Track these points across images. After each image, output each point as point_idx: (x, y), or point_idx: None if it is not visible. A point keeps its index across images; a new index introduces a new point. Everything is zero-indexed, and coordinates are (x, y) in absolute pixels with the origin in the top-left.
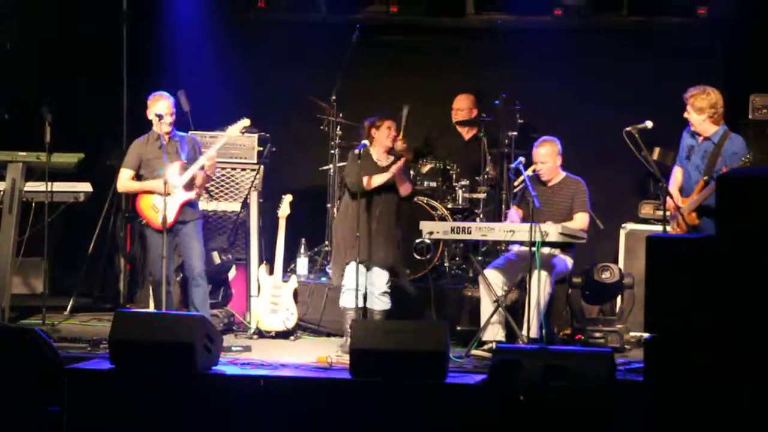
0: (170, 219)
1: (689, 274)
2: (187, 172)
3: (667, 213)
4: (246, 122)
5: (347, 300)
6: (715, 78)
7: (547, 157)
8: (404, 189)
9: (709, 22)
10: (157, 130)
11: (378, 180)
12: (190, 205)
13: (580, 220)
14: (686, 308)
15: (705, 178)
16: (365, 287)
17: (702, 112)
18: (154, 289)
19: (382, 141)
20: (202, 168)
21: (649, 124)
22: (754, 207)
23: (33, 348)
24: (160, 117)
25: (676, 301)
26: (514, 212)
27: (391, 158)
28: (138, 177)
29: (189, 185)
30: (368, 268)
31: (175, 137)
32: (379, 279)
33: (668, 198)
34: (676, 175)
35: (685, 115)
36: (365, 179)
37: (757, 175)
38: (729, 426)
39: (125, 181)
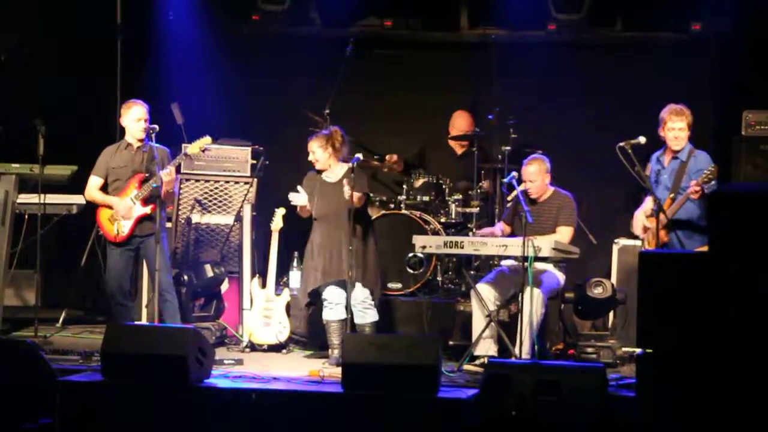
0: (125, 232)
1: (682, 289)
2: (143, 188)
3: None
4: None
5: (329, 314)
6: (708, 94)
7: (535, 175)
8: (354, 199)
9: (703, 37)
10: (129, 139)
11: (303, 213)
12: (149, 218)
13: (562, 234)
14: (679, 324)
15: (671, 195)
16: (346, 300)
17: (689, 128)
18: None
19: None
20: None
21: (642, 139)
22: (745, 223)
23: (26, 360)
24: (152, 130)
25: (669, 316)
26: (498, 227)
27: (340, 173)
28: (106, 184)
29: (148, 199)
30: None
31: (144, 148)
32: (357, 293)
33: (637, 220)
34: (647, 203)
35: (677, 131)
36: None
37: (749, 192)
38: None
39: (92, 189)
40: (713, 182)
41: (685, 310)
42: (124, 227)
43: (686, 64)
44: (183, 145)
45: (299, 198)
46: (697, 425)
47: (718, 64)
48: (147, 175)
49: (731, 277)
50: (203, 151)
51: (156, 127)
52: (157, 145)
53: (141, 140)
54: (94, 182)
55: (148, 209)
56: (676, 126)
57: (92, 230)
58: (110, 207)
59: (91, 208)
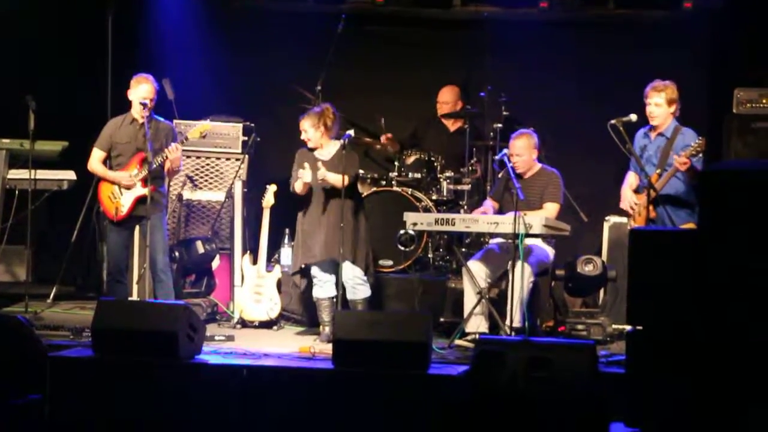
0: (123, 212)
1: (672, 267)
2: (143, 168)
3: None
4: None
5: (319, 291)
6: (699, 71)
7: (522, 149)
8: (338, 184)
9: (694, 15)
10: (134, 115)
11: (298, 187)
12: (149, 198)
13: (548, 210)
14: (669, 301)
15: (658, 171)
16: (336, 277)
17: (672, 104)
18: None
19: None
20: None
21: (633, 117)
22: (736, 200)
23: (16, 336)
24: (144, 105)
25: (659, 294)
26: (488, 204)
27: (333, 151)
28: (109, 157)
29: (148, 179)
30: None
31: (148, 124)
32: (347, 270)
33: (625, 196)
34: (629, 178)
35: (653, 106)
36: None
37: (740, 169)
38: (710, 418)
39: (94, 162)
40: (700, 155)
41: (676, 288)
42: (124, 206)
43: (677, 42)
44: (176, 121)
45: (307, 175)
46: (686, 402)
47: (709, 42)
48: (148, 153)
49: (721, 254)
50: (203, 136)
51: (147, 103)
52: (161, 119)
53: (146, 115)
54: (97, 155)
55: (146, 190)
56: (652, 101)
57: (83, 206)
58: (110, 182)
59: (82, 184)
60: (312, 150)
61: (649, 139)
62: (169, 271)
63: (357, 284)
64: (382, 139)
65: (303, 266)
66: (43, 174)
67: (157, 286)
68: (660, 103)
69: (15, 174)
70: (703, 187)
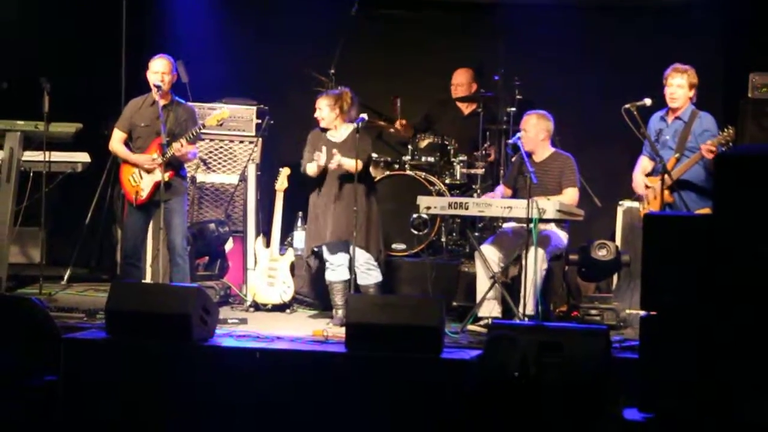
0: (143, 196)
1: (686, 252)
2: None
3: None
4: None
5: (332, 275)
6: (714, 56)
7: (530, 126)
8: (351, 169)
9: None
10: (154, 96)
11: (311, 170)
12: (168, 183)
13: (569, 195)
14: (683, 286)
15: (677, 155)
16: (347, 261)
17: (692, 87)
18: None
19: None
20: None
21: (648, 101)
22: (751, 185)
23: (30, 318)
24: (158, 87)
25: (673, 279)
26: (500, 189)
27: (346, 134)
28: (131, 139)
29: (168, 162)
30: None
31: (169, 106)
32: (360, 255)
33: (638, 180)
34: (642, 162)
35: (675, 87)
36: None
37: (755, 154)
38: (724, 403)
39: (115, 142)
40: (730, 144)
41: (689, 273)
42: (144, 191)
43: (692, 26)
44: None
45: (323, 158)
46: (699, 387)
47: (723, 25)
48: (167, 139)
49: (736, 238)
50: (220, 124)
51: (160, 85)
52: (184, 101)
53: (162, 96)
54: (117, 135)
55: (166, 175)
56: (674, 82)
57: (97, 188)
58: (131, 164)
59: (97, 166)
60: (324, 131)
61: (665, 123)
62: (187, 256)
63: (368, 269)
64: (397, 124)
65: (314, 249)
66: (57, 156)
67: (174, 269)
68: (682, 85)
69: (29, 156)
70: (717, 172)
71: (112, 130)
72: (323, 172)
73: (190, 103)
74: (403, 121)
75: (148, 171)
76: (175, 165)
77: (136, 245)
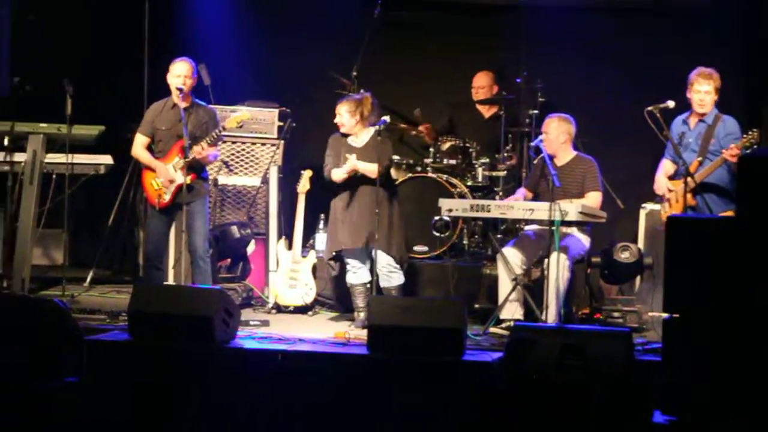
0: (166, 200)
1: (709, 254)
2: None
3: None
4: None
5: (353, 277)
6: (736, 57)
7: (551, 129)
8: (372, 174)
9: (732, 0)
10: (175, 99)
11: (337, 174)
12: (190, 186)
13: (593, 198)
14: (705, 288)
15: (699, 158)
16: (368, 264)
17: (718, 91)
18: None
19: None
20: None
21: (671, 103)
22: None
23: (53, 319)
24: (180, 90)
25: (696, 281)
26: (521, 192)
27: (366, 138)
28: (153, 142)
29: (190, 165)
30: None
31: (190, 109)
32: (381, 258)
33: (660, 182)
34: (665, 165)
35: (704, 93)
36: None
37: None
38: (747, 406)
39: (138, 147)
40: (755, 147)
41: (712, 275)
42: (166, 194)
43: (714, 28)
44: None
45: (350, 164)
46: (723, 390)
47: (747, 28)
48: (188, 142)
49: (759, 241)
50: (240, 126)
51: (182, 88)
52: (204, 103)
53: (184, 99)
54: (140, 140)
55: (188, 178)
56: (702, 89)
57: (120, 190)
58: (152, 170)
59: (119, 168)
60: (345, 136)
61: (687, 126)
62: (208, 258)
63: (390, 272)
64: (421, 128)
65: (334, 253)
66: (80, 158)
67: (196, 272)
68: (710, 91)
69: (52, 158)
70: (740, 174)
71: (134, 135)
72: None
73: (210, 106)
74: (428, 125)
75: (169, 180)
76: (196, 168)
77: (159, 248)
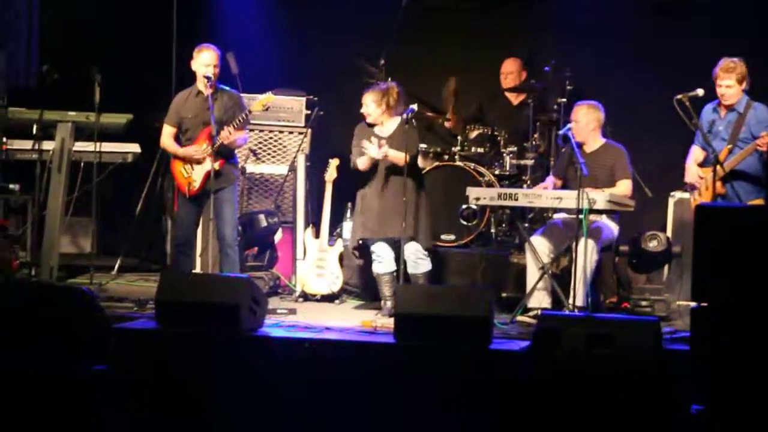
0: (195, 187)
1: (738, 243)
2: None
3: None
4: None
5: (379, 267)
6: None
7: (581, 117)
8: (399, 162)
9: None
10: (200, 87)
11: (362, 163)
12: (219, 173)
13: (624, 187)
14: (734, 278)
15: (729, 146)
16: (394, 253)
17: (743, 81)
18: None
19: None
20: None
21: (700, 92)
22: None
23: (81, 307)
24: (208, 79)
25: (724, 270)
26: (550, 180)
27: (393, 128)
28: (180, 132)
29: (217, 153)
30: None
31: (214, 95)
32: (409, 245)
33: (691, 170)
34: (695, 152)
35: (725, 88)
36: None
37: None
38: None
39: (165, 138)
40: None
41: (741, 264)
42: (196, 182)
43: (743, 12)
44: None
45: (374, 150)
46: (750, 379)
47: None
48: (215, 128)
49: None
50: (266, 109)
51: (211, 77)
52: (228, 88)
53: (211, 86)
54: (167, 131)
55: (216, 164)
56: (723, 83)
57: (147, 179)
58: (181, 158)
59: (147, 157)
60: (371, 126)
61: (718, 115)
62: (237, 246)
63: (418, 258)
64: (448, 121)
65: (360, 242)
66: (108, 147)
67: (224, 260)
68: (731, 84)
69: (80, 146)
70: None
71: (162, 124)
72: (373, 165)
73: (234, 90)
74: (452, 116)
75: (199, 162)
76: (225, 153)
77: (188, 234)
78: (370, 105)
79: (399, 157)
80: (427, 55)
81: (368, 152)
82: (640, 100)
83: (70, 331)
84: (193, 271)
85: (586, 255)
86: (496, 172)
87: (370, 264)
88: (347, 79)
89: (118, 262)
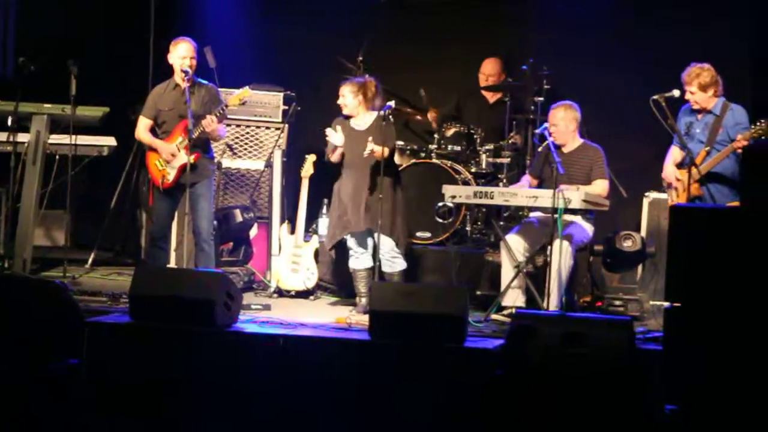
0: (170, 180)
1: (712, 244)
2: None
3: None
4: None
5: (356, 262)
6: (745, 46)
7: (559, 119)
8: (378, 156)
9: None
10: (177, 80)
11: (329, 152)
12: (194, 166)
13: (600, 187)
14: (708, 278)
15: (707, 148)
16: (371, 249)
17: (708, 88)
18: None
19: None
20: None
21: (676, 92)
22: None
23: (54, 301)
24: (186, 72)
25: (698, 270)
26: (526, 179)
27: (369, 122)
28: (156, 125)
29: (193, 147)
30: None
31: (191, 88)
32: (384, 243)
33: (669, 171)
34: (674, 153)
35: (688, 96)
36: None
37: None
38: (747, 397)
39: (141, 130)
40: (762, 137)
41: (714, 264)
42: (170, 175)
43: (719, 14)
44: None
45: (336, 137)
46: (723, 379)
47: (756, 16)
48: (192, 121)
49: (761, 230)
50: (243, 103)
51: (188, 71)
52: (205, 82)
53: (188, 80)
54: (143, 123)
55: (192, 158)
56: (688, 89)
57: (123, 172)
58: (156, 151)
59: (123, 150)
60: (347, 118)
61: (695, 117)
62: (212, 241)
63: (393, 257)
64: (429, 115)
65: (337, 237)
66: (83, 140)
67: (200, 254)
68: (694, 91)
69: (56, 139)
70: (745, 163)
71: (138, 118)
72: (344, 159)
73: (211, 83)
74: (436, 111)
75: (174, 155)
76: (201, 147)
77: (164, 228)
78: (348, 95)
79: (379, 151)
80: (405, 53)
81: (330, 139)
82: (616, 99)
83: (43, 325)
84: (168, 265)
85: (561, 257)
86: (473, 170)
87: (345, 261)
88: (325, 75)
89: (92, 255)
